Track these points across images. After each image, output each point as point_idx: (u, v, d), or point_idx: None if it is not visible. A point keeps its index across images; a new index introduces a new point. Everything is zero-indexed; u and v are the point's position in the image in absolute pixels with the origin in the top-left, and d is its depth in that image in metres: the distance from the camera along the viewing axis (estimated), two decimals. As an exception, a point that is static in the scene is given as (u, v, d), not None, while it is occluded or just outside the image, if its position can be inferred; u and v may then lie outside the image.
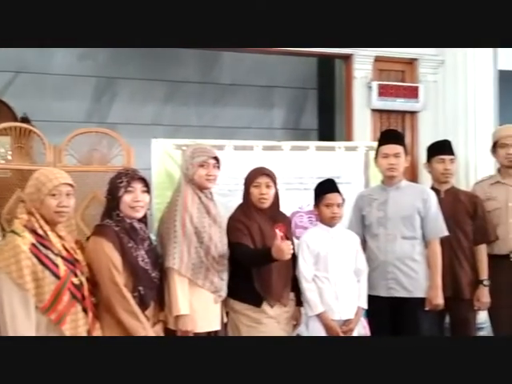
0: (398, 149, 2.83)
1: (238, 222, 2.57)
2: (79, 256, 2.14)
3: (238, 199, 2.73)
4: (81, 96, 5.37)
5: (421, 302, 2.74)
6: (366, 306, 2.70)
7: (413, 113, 4.48)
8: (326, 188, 2.72)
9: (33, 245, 1.95)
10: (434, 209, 2.80)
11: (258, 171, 2.64)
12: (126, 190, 2.25)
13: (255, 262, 2.50)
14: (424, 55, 4.40)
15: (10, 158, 3.35)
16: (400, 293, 2.74)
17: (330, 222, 2.69)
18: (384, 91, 4.31)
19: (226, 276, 2.52)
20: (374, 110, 4.37)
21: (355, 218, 2.93)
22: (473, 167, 4.13)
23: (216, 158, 2.53)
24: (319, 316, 2.59)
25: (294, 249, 2.43)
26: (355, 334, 2.68)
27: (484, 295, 2.96)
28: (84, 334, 2.04)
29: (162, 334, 2.36)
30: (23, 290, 1.91)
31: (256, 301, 2.53)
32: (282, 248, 2.29)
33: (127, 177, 2.27)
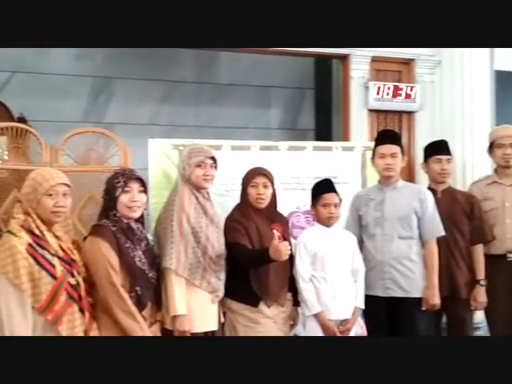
0: (395, 149, 2.83)
1: (235, 222, 2.57)
2: (76, 256, 2.13)
3: (235, 199, 2.73)
4: (77, 96, 5.37)
5: (418, 301, 2.74)
6: (363, 306, 2.70)
7: (410, 113, 4.50)
8: (323, 188, 2.72)
9: (29, 245, 1.95)
10: (430, 209, 2.81)
11: (256, 171, 2.64)
12: (123, 190, 2.24)
13: (253, 262, 2.50)
14: (421, 55, 4.41)
15: (6, 157, 3.34)
16: (397, 293, 2.75)
17: (327, 222, 2.69)
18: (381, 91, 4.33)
19: (223, 276, 2.52)
20: (370, 110, 4.38)
21: (352, 218, 2.93)
22: (469, 167, 4.15)
23: (213, 158, 2.53)
24: (316, 316, 2.59)
25: (291, 249, 2.43)
26: (352, 333, 2.68)
27: (481, 295, 2.96)
28: (81, 334, 2.03)
29: (159, 334, 2.35)
30: (20, 291, 1.90)
31: (253, 301, 2.53)
32: (280, 249, 2.29)
33: (124, 177, 2.27)
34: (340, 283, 2.63)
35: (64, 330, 1.97)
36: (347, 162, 3.70)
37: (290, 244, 2.45)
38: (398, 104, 4.40)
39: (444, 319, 3.09)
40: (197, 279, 2.42)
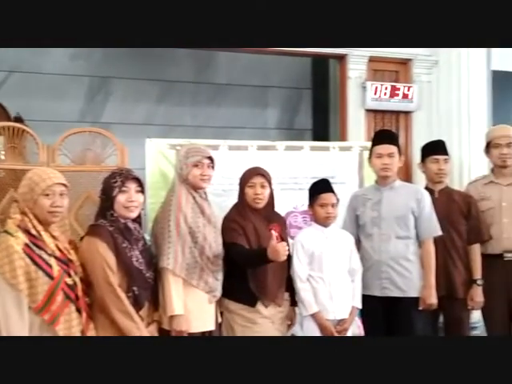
0: (392, 149, 2.83)
1: (233, 222, 2.57)
2: (73, 256, 2.13)
3: (233, 199, 2.73)
4: (74, 95, 5.36)
5: (415, 301, 2.74)
6: (360, 306, 2.71)
7: (407, 113, 4.50)
8: (321, 188, 2.72)
9: (26, 245, 1.95)
10: (427, 209, 2.81)
11: (253, 171, 2.64)
12: (120, 189, 2.24)
13: (251, 262, 2.50)
14: (418, 55, 4.42)
15: (3, 157, 3.33)
16: (394, 292, 2.75)
17: (324, 221, 2.69)
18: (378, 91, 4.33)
19: (220, 276, 2.52)
20: (368, 110, 4.38)
21: (349, 218, 2.93)
22: (466, 167, 4.16)
23: (210, 158, 2.53)
24: (314, 316, 2.59)
25: (289, 249, 2.43)
26: (349, 333, 2.68)
27: (477, 294, 2.97)
28: (78, 334, 2.03)
29: (156, 334, 2.35)
30: (16, 291, 1.90)
31: (250, 301, 2.53)
32: (278, 249, 2.29)
33: (121, 177, 2.27)
34: (337, 283, 2.63)
35: (61, 330, 1.97)
36: (344, 161, 3.70)
37: (288, 244, 2.45)
38: (396, 104, 4.40)
39: (441, 319, 3.09)
40: (194, 279, 2.42)
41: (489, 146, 3.14)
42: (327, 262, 2.64)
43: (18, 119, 4.38)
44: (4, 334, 1.87)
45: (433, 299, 2.74)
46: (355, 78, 4.36)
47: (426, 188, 3.05)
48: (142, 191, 2.34)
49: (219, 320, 2.57)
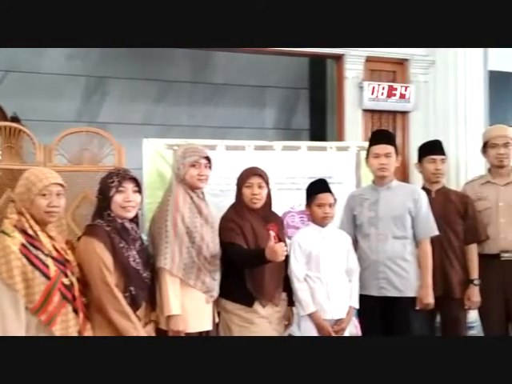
0: (389, 149, 2.84)
1: (230, 222, 2.57)
2: (70, 256, 2.12)
3: (230, 199, 2.73)
4: (71, 95, 5.35)
5: (412, 301, 2.75)
6: (357, 306, 2.71)
7: (404, 113, 4.51)
8: (318, 188, 2.72)
9: (23, 245, 1.94)
10: (424, 209, 2.82)
11: (250, 171, 2.64)
12: (118, 189, 2.24)
13: (248, 262, 2.50)
14: (415, 56, 4.43)
15: (-1, 157, 3.33)
16: (391, 292, 2.75)
17: (321, 221, 2.69)
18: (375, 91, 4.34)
19: (217, 276, 2.52)
20: (365, 110, 4.39)
21: (346, 218, 2.94)
22: (463, 167, 4.17)
23: (207, 158, 2.53)
24: (311, 316, 2.59)
25: (286, 250, 2.43)
26: (347, 333, 2.69)
27: (474, 294, 2.97)
28: (75, 334, 2.03)
29: (153, 335, 2.35)
30: (13, 291, 1.90)
31: (248, 301, 2.52)
32: (276, 250, 2.29)
33: (118, 177, 2.26)
34: (334, 283, 2.63)
35: (58, 331, 1.96)
36: (342, 161, 3.71)
37: (286, 244, 2.45)
38: (393, 104, 4.41)
39: (438, 318, 3.10)
40: (191, 279, 2.42)
41: (486, 146, 3.15)
42: (324, 262, 2.64)
43: (15, 119, 4.38)
44: (0, 335, 1.86)
45: (430, 299, 2.75)
46: (352, 78, 4.37)
47: (423, 188, 3.06)
48: (139, 191, 2.33)
49: (216, 320, 2.56)
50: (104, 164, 3.28)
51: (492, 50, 4.40)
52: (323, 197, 2.68)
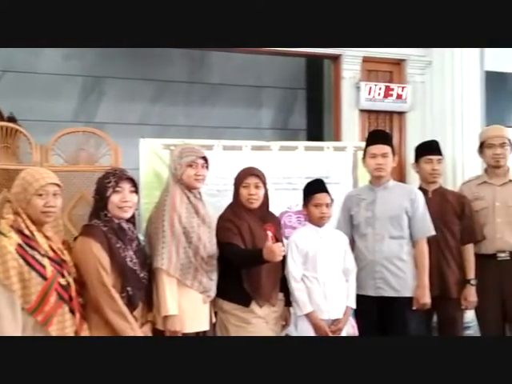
0: (386, 149, 2.84)
1: (228, 222, 2.57)
2: (66, 257, 2.12)
3: (227, 199, 2.72)
4: (68, 95, 5.34)
5: (408, 301, 2.75)
6: (354, 306, 2.71)
7: (400, 113, 4.51)
8: (315, 188, 2.72)
9: (19, 245, 1.93)
10: (421, 209, 2.82)
11: (247, 172, 2.64)
12: (114, 190, 2.24)
13: (246, 262, 2.50)
14: (411, 56, 4.43)
15: (-4, 157, 3.32)
16: (388, 292, 2.76)
17: (318, 221, 2.69)
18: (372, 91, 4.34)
19: (214, 276, 2.51)
20: (362, 111, 4.39)
21: (343, 218, 2.94)
22: (460, 167, 4.17)
23: (204, 158, 2.53)
24: (308, 316, 2.59)
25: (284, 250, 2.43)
26: (344, 333, 2.69)
27: (471, 294, 2.98)
28: (71, 335, 2.02)
29: (150, 335, 2.35)
30: (9, 291, 1.89)
31: (245, 301, 2.52)
32: (274, 250, 2.29)
33: (115, 177, 2.26)
34: (331, 283, 2.64)
35: (54, 331, 1.96)
36: (339, 162, 3.71)
37: (283, 244, 2.45)
38: (389, 104, 4.41)
39: (435, 318, 3.10)
40: (188, 279, 2.42)
41: (482, 146, 3.15)
42: (321, 262, 2.64)
43: (12, 119, 4.35)
44: (-3, 335, 1.86)
45: (426, 299, 2.75)
46: (349, 79, 4.37)
47: (420, 188, 3.06)
48: (136, 191, 2.33)
49: (213, 320, 2.56)
50: (101, 164, 3.27)
51: (488, 51, 4.41)
52: (320, 197, 2.68)
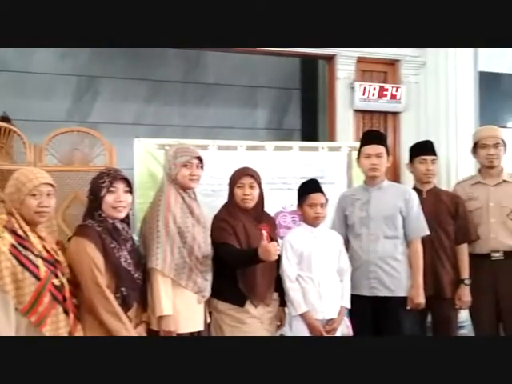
0: (380, 149, 2.85)
1: (223, 222, 2.56)
2: (60, 257, 2.11)
3: (222, 199, 2.72)
4: (62, 95, 5.31)
5: (403, 301, 2.76)
6: (349, 306, 2.71)
7: (395, 113, 4.52)
8: (310, 188, 2.72)
9: (12, 246, 1.93)
10: (415, 209, 2.83)
11: (242, 172, 2.63)
12: (108, 190, 2.23)
13: (241, 262, 2.50)
14: (406, 56, 4.44)
15: (-11, 157, 3.30)
16: (382, 292, 2.76)
17: (313, 221, 2.70)
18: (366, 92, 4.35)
19: (209, 276, 2.51)
20: (356, 111, 4.40)
21: (338, 218, 2.94)
22: (454, 167, 4.19)
23: (199, 158, 2.52)
24: (303, 316, 2.59)
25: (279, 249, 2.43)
26: (338, 333, 2.69)
27: (465, 294, 2.99)
28: (65, 335, 2.01)
29: (144, 335, 2.34)
30: (3, 292, 1.88)
31: (239, 300, 2.52)
32: (269, 249, 2.29)
33: (109, 177, 2.26)
34: (326, 283, 2.64)
35: (48, 332, 1.95)
36: (333, 162, 3.71)
37: (278, 244, 2.45)
38: (384, 104, 4.42)
39: (429, 318, 3.11)
40: (183, 279, 2.41)
41: (476, 147, 3.16)
42: (316, 262, 2.64)
43: (5, 119, 4.32)
44: (-10, 336, 1.85)
45: (420, 299, 2.76)
46: (344, 79, 4.38)
47: (414, 188, 3.07)
48: (131, 191, 2.33)
49: (208, 320, 2.56)
50: (95, 164, 3.27)
51: (482, 51, 4.43)
52: (315, 197, 2.68)
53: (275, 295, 2.66)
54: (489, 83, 4.56)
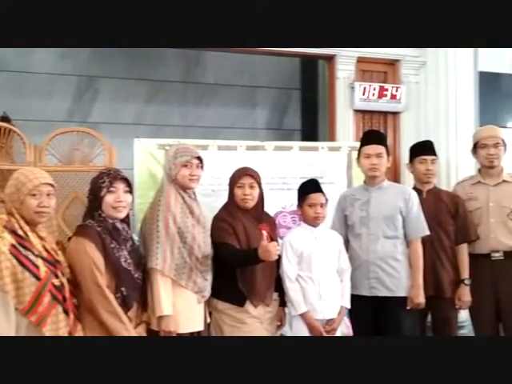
0: (380, 149, 2.84)
1: (222, 222, 2.56)
2: (60, 257, 2.11)
3: (222, 199, 2.72)
4: (62, 95, 5.32)
5: (403, 301, 2.76)
6: (349, 306, 2.71)
7: (395, 113, 4.52)
8: (310, 188, 2.72)
9: (12, 246, 1.93)
10: (415, 209, 2.83)
11: (242, 172, 2.63)
12: (108, 190, 2.23)
13: (241, 262, 2.50)
14: (406, 56, 4.44)
15: (-11, 157, 3.31)
16: (382, 292, 2.76)
17: (313, 221, 2.70)
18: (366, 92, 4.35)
19: (209, 276, 2.51)
20: (356, 111, 4.40)
21: (338, 218, 2.94)
22: (454, 167, 4.18)
23: (199, 158, 2.52)
24: (302, 315, 2.59)
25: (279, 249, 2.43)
26: (338, 333, 2.69)
27: (465, 294, 2.99)
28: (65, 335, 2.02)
29: (144, 335, 2.34)
30: (3, 292, 1.88)
31: (239, 300, 2.52)
32: (269, 249, 2.29)
33: (109, 177, 2.25)
34: (326, 283, 2.64)
35: (48, 332, 1.95)
36: (333, 162, 3.71)
37: (278, 244, 2.45)
38: (384, 104, 4.42)
39: (429, 318, 3.11)
40: (183, 279, 2.41)
41: (476, 147, 3.16)
42: (316, 262, 2.64)
43: (5, 119, 4.33)
44: (-10, 336, 1.85)
45: (420, 299, 2.76)
46: (344, 79, 4.38)
47: (414, 188, 3.07)
48: (131, 191, 2.33)
49: (208, 320, 2.56)
50: (95, 164, 3.27)
51: (482, 51, 4.43)
52: (315, 197, 2.68)
53: (275, 295, 2.66)
54: (489, 83, 4.56)
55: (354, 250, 2.83)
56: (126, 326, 2.13)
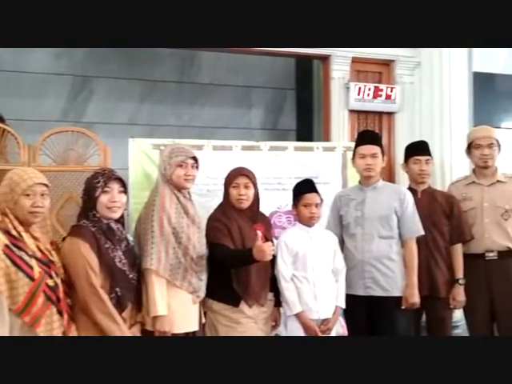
0: (375, 149, 2.85)
1: (217, 222, 2.56)
2: (54, 257, 2.10)
3: (217, 199, 2.72)
4: (56, 95, 5.29)
5: (397, 300, 2.76)
6: (344, 306, 2.72)
7: (389, 113, 4.54)
8: (305, 188, 2.72)
9: (6, 246, 1.92)
10: (410, 209, 2.83)
11: (237, 172, 2.63)
12: (103, 190, 2.23)
13: (236, 262, 2.50)
14: (400, 57, 4.45)
15: (-17, 157, 3.29)
16: (377, 292, 2.77)
17: (308, 221, 2.70)
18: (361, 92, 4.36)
19: (204, 276, 2.51)
20: (351, 111, 4.41)
21: (333, 218, 2.95)
22: (448, 168, 4.20)
23: (194, 158, 2.52)
24: (298, 315, 2.59)
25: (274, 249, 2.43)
26: (333, 333, 2.70)
27: (459, 294, 2.99)
28: (59, 336, 2.01)
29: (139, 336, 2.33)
30: (-4, 292, 1.87)
31: (234, 301, 2.52)
32: (264, 249, 2.29)
33: (104, 177, 2.25)
34: (321, 283, 2.64)
35: (42, 332, 1.94)
36: (328, 162, 3.72)
37: (273, 244, 2.46)
38: (378, 105, 4.43)
39: (423, 318, 3.12)
40: (178, 280, 2.41)
41: (470, 147, 3.17)
42: (311, 262, 2.64)
43: (-1, 118, 4.33)
44: (-16, 337, 1.84)
45: (415, 298, 2.76)
46: (339, 79, 4.38)
47: (409, 188, 3.08)
48: (125, 191, 2.32)
49: (203, 320, 2.56)
50: (89, 164, 3.25)
51: (476, 52, 4.45)
52: (310, 197, 2.68)
53: (270, 295, 2.66)
54: (483, 83, 4.58)
55: (349, 249, 2.83)
56: (120, 327, 2.13)
